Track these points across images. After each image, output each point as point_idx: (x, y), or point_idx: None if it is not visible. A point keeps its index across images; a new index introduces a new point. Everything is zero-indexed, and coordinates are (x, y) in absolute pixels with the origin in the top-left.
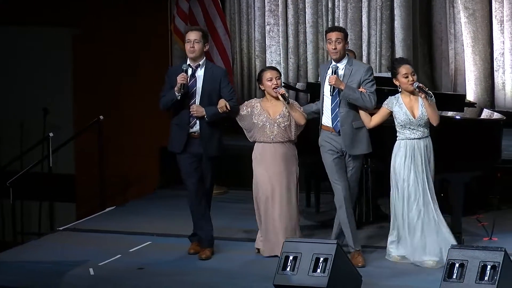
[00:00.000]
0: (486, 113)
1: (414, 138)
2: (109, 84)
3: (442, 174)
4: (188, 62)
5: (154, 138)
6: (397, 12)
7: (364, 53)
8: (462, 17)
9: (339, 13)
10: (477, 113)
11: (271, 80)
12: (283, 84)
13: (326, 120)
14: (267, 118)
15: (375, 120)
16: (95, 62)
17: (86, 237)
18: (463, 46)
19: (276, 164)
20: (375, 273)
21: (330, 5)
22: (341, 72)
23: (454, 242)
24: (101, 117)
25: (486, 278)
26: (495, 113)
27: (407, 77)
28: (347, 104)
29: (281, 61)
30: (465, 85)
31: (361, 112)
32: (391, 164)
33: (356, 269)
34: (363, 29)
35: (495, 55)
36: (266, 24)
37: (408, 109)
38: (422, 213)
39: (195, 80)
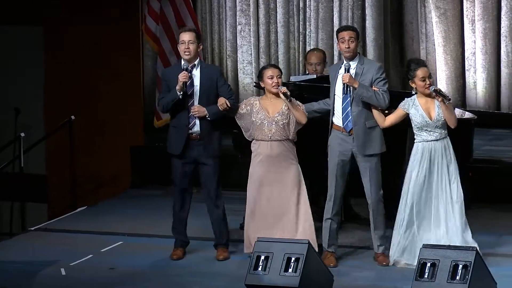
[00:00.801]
0: (457, 113)
1: (431, 140)
2: (81, 84)
3: None
4: (183, 62)
5: (126, 138)
6: (368, 11)
7: (336, 52)
8: (434, 17)
9: (310, 12)
10: None
11: (272, 78)
12: (254, 84)
13: (337, 119)
14: (265, 116)
15: (390, 120)
16: (66, 61)
17: (58, 237)
18: (434, 45)
19: (272, 162)
20: (347, 272)
21: (301, 4)
22: (352, 71)
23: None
24: (73, 117)
25: (457, 277)
26: (467, 113)
27: (424, 80)
28: (360, 103)
29: (252, 60)
30: (437, 85)
31: (375, 112)
32: (408, 167)
33: (328, 268)
34: (334, 29)
35: (466, 55)
36: (237, 23)
37: (424, 110)
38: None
39: (192, 81)
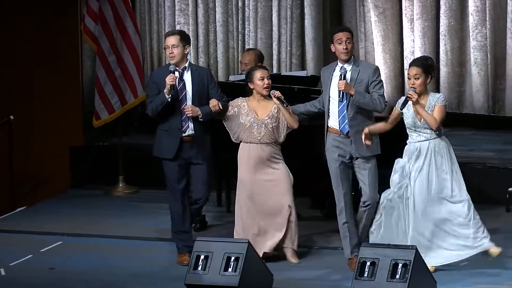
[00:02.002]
0: None
1: (420, 141)
2: (19, 84)
3: None
4: (171, 65)
5: (65, 138)
6: (307, 10)
7: (275, 52)
8: (372, 16)
9: (249, 12)
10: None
11: (262, 79)
12: None
13: (333, 122)
14: (254, 118)
15: (391, 123)
16: (4, 61)
17: None
18: (373, 44)
19: (261, 165)
20: (288, 271)
21: (240, 4)
22: (347, 74)
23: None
24: (12, 117)
25: (397, 276)
26: None
27: (410, 79)
28: (356, 107)
29: (192, 60)
30: None
31: (379, 128)
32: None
33: (267, 267)
34: (273, 28)
35: (405, 54)
36: (176, 23)
37: (414, 111)
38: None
39: (184, 84)
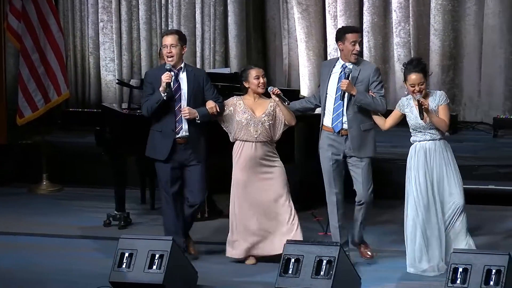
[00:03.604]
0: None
1: (425, 140)
2: None
3: None
4: (166, 63)
5: None
6: (230, 8)
7: (198, 49)
8: (296, 13)
9: (172, 9)
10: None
11: (258, 78)
12: (117, 81)
13: (327, 120)
14: (251, 116)
15: (389, 122)
16: None
17: None
18: (296, 41)
19: (256, 164)
20: (210, 267)
21: (163, 1)
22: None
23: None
24: None
25: (322, 273)
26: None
27: (413, 87)
28: (356, 107)
29: (115, 57)
30: (299, 81)
31: (375, 116)
32: (407, 167)
33: (191, 265)
34: (196, 25)
35: (328, 50)
36: (99, 21)
37: (421, 116)
38: (438, 219)
39: (179, 84)
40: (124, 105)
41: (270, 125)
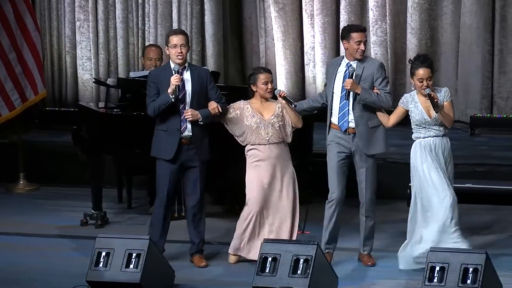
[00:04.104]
0: None
1: (430, 137)
2: None
3: None
4: (173, 65)
5: None
6: (207, 6)
7: None
8: (273, 11)
9: (149, 8)
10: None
11: (266, 84)
12: (94, 80)
13: (334, 118)
14: (261, 119)
15: (393, 119)
16: None
17: None
18: (273, 40)
19: (273, 165)
20: (190, 267)
21: (140, 0)
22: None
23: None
24: None
25: (299, 271)
26: None
27: (421, 81)
28: (362, 104)
29: (92, 56)
30: (276, 79)
31: (379, 113)
32: (411, 164)
33: (168, 264)
34: (173, 24)
35: (305, 49)
36: (76, 19)
37: (424, 108)
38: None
39: (183, 84)
40: (101, 104)
41: (280, 126)
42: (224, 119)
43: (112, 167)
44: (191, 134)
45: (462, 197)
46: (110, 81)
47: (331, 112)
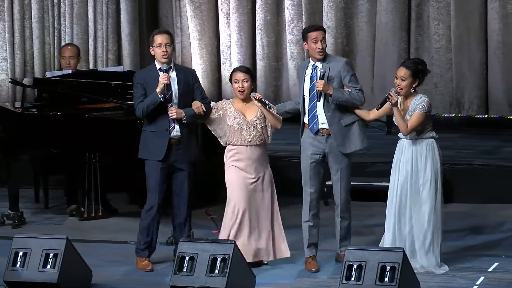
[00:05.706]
0: None
1: (404, 139)
2: None
3: None
4: (157, 65)
5: None
6: (123, 6)
7: (91, 47)
8: (189, 10)
9: (65, 8)
10: None
11: (237, 82)
12: (10, 80)
13: (306, 120)
14: (243, 120)
15: (377, 113)
16: None
17: None
18: (189, 39)
19: (251, 167)
20: (108, 267)
21: (55, 0)
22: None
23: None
24: None
25: (216, 270)
26: None
27: (396, 79)
28: (334, 104)
29: (8, 56)
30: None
31: (356, 110)
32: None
33: (86, 264)
34: (89, 24)
35: (221, 48)
36: None
37: (402, 110)
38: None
39: (170, 84)
40: (18, 104)
41: (263, 128)
42: (207, 120)
43: (28, 167)
44: (180, 134)
45: (379, 195)
46: (26, 81)
47: (304, 113)
